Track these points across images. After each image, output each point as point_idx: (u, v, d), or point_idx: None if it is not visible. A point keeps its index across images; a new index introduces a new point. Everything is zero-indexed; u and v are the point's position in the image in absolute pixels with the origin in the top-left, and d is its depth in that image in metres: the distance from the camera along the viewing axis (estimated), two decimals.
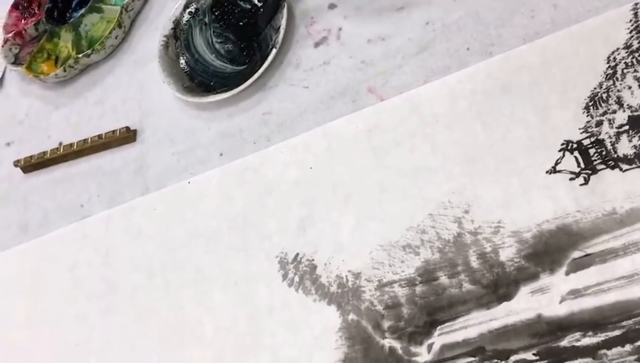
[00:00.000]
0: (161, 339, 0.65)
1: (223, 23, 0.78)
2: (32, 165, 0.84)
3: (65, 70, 0.86)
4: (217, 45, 0.78)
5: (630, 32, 0.55)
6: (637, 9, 0.55)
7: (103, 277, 0.72)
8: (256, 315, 0.61)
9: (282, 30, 0.70)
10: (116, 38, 0.86)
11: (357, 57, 0.66)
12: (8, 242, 0.81)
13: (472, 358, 0.50)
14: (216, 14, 0.79)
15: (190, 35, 0.79)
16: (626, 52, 0.54)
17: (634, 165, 0.50)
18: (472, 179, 0.56)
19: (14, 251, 0.80)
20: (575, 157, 0.52)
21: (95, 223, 0.75)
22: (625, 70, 0.53)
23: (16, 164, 0.85)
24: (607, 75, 0.54)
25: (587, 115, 0.53)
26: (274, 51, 0.69)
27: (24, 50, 0.93)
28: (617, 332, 0.46)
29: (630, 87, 0.53)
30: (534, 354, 0.48)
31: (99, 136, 0.79)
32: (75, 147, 0.80)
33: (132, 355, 0.66)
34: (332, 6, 0.71)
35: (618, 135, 0.52)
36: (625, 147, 0.51)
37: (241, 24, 0.77)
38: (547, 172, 0.53)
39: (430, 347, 0.52)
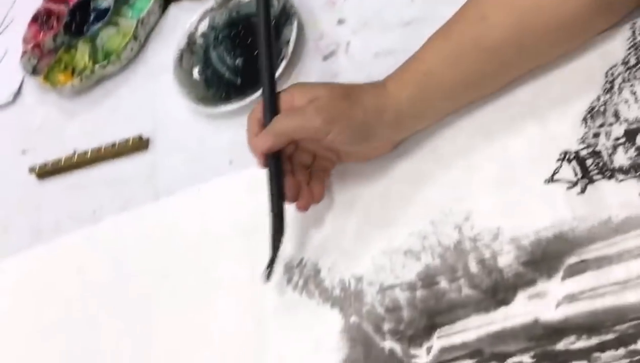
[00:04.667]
0: (168, 343, 0.66)
1: (236, 40, 0.81)
2: (46, 171, 0.86)
3: (81, 80, 0.89)
4: (228, 60, 0.81)
5: (629, 48, 0.57)
6: (635, 27, 0.57)
7: (112, 281, 0.73)
8: (261, 318, 0.62)
9: (291, 44, 0.72)
10: (131, 50, 0.88)
11: (365, 71, 0.68)
12: (21, 247, 0.83)
13: (471, 361, 0.51)
14: (231, 34, 0.81)
15: (205, 49, 0.82)
16: (624, 68, 0.56)
17: (629, 175, 0.52)
18: (473, 187, 0.57)
19: (26, 255, 0.82)
20: (573, 167, 0.54)
21: (105, 228, 0.77)
22: (622, 85, 0.55)
23: (31, 170, 0.87)
24: (605, 89, 0.56)
25: (585, 127, 0.55)
26: (283, 63, 0.72)
27: (42, 61, 0.96)
28: (610, 336, 0.48)
29: (627, 101, 0.55)
30: (530, 357, 0.50)
31: (112, 144, 0.82)
32: (89, 155, 0.83)
33: (140, 358, 0.67)
34: (340, 21, 0.74)
35: (614, 147, 0.53)
36: (621, 158, 0.53)
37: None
38: (545, 181, 0.55)
39: (429, 349, 0.54)
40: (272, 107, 0.58)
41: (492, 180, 0.57)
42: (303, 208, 0.61)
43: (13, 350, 0.76)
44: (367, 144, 0.59)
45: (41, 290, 0.77)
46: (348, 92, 0.57)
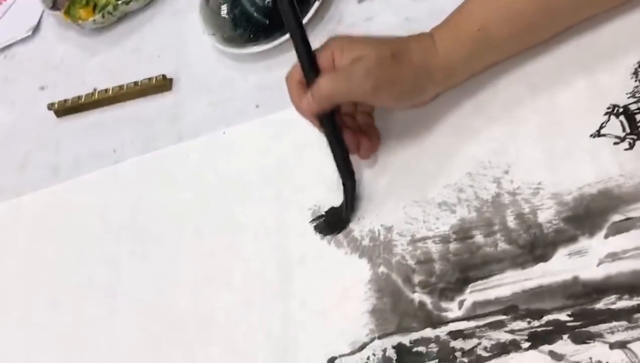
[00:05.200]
0: (190, 284, 0.65)
1: None
2: (65, 109, 0.84)
3: (103, 17, 0.86)
4: (257, 0, 0.78)
5: None
6: None
7: (133, 222, 0.72)
8: (286, 264, 0.61)
9: None
10: None
11: (401, 14, 0.66)
12: (39, 184, 0.81)
13: (505, 316, 0.50)
14: None
15: None
16: None
17: None
18: (515, 140, 0.55)
19: (44, 192, 0.80)
20: (621, 122, 0.52)
21: (127, 168, 0.76)
22: None
23: (50, 107, 0.85)
24: None
25: (636, 81, 0.53)
26: (316, 4, 0.69)
27: None
28: None
29: None
30: (568, 315, 0.48)
31: (135, 83, 0.80)
32: (110, 93, 0.81)
33: (160, 298, 0.66)
34: None
35: None
36: None
37: None
38: (591, 135, 0.52)
39: (461, 303, 0.52)
40: (311, 68, 0.55)
41: (535, 133, 0.55)
42: (365, 156, 0.60)
43: (29, 288, 0.75)
44: (412, 101, 0.57)
45: (60, 227, 0.76)
46: (394, 52, 0.54)
